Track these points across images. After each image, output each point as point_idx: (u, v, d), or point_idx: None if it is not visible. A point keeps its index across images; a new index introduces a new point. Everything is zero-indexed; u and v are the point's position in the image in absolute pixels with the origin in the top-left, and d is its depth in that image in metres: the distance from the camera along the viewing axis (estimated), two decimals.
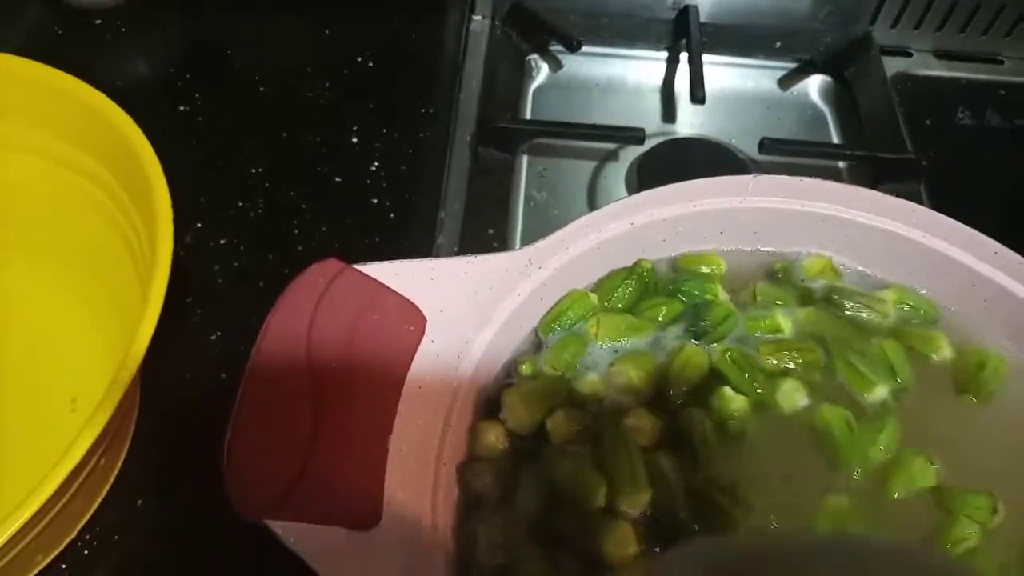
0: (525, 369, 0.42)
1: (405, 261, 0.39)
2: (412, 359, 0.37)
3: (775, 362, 0.43)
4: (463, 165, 0.63)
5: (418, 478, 0.36)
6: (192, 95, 0.65)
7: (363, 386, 0.35)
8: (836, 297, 0.46)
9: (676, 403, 0.41)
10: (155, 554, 0.45)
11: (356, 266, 0.37)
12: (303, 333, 0.35)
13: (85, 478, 0.38)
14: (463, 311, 0.40)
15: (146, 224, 0.43)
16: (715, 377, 0.42)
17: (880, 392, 0.42)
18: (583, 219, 0.43)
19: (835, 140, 0.69)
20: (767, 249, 0.48)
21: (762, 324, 0.44)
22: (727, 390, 0.41)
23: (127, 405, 0.41)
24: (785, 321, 0.45)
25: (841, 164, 0.67)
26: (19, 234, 0.53)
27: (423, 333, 0.38)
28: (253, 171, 0.60)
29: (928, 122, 0.68)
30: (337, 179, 0.61)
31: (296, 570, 0.32)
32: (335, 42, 0.70)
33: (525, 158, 0.65)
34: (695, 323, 0.44)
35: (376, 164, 0.62)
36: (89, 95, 0.45)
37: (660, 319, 0.45)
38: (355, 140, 0.63)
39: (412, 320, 0.37)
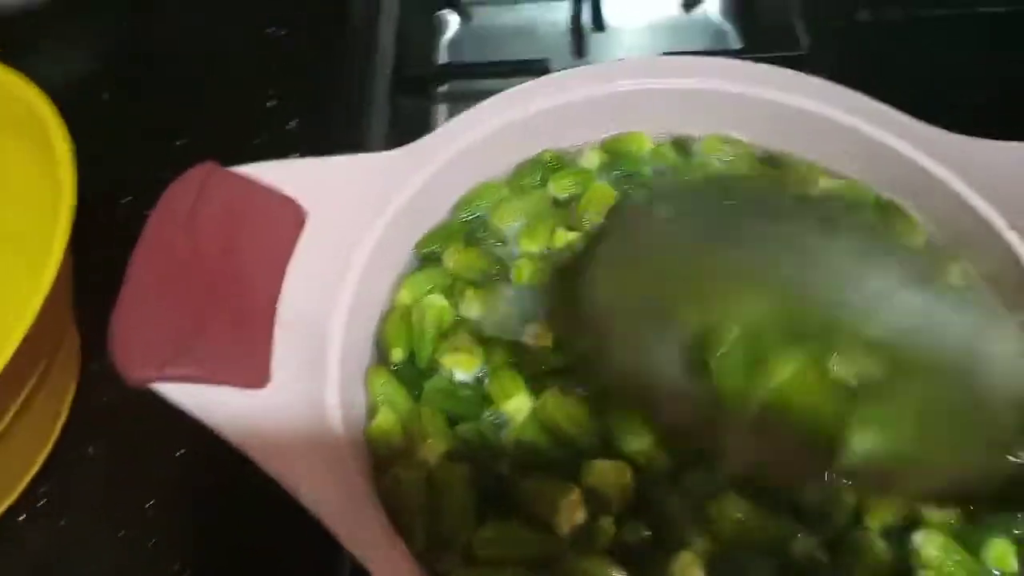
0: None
1: (283, 161, 0.41)
2: (293, 247, 0.39)
3: None
4: (382, 119, 0.65)
5: (308, 348, 0.37)
6: None
7: (247, 268, 0.37)
8: None
9: None
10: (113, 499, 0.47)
11: (232, 168, 0.40)
12: (183, 223, 0.37)
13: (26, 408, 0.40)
14: (349, 203, 0.42)
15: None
16: None
17: None
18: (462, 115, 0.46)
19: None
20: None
21: None
22: None
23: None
24: None
25: None
26: None
27: (302, 225, 0.40)
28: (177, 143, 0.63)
29: (830, 24, 0.69)
30: (256, 142, 0.63)
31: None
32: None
33: (444, 106, 0.68)
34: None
35: (295, 122, 0.64)
36: None
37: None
38: (273, 103, 0.66)
39: (290, 213, 0.40)
